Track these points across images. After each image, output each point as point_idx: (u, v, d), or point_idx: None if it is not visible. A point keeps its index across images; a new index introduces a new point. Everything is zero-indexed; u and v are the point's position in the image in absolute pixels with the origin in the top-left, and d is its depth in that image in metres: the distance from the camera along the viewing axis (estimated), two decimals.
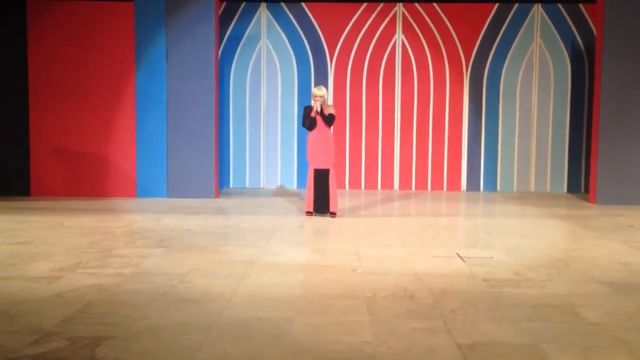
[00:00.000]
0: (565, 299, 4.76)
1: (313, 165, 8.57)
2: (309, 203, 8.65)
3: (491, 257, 6.18)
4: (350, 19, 11.77)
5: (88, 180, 10.40)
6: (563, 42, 11.70)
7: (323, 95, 8.53)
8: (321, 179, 8.53)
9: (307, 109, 8.57)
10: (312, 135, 8.58)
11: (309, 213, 8.65)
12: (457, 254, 6.31)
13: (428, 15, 11.72)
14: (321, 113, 8.46)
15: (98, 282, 5.11)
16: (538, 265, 5.86)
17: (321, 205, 8.59)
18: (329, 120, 8.50)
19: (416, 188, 11.95)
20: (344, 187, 11.84)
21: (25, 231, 7.39)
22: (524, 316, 4.35)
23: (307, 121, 8.53)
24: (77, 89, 10.34)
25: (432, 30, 11.73)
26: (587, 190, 11.44)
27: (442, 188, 11.92)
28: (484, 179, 11.89)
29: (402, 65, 11.84)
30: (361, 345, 3.78)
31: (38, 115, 10.34)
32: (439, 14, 11.71)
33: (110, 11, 10.31)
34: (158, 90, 10.31)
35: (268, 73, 11.89)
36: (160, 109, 10.32)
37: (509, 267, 5.79)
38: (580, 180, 11.83)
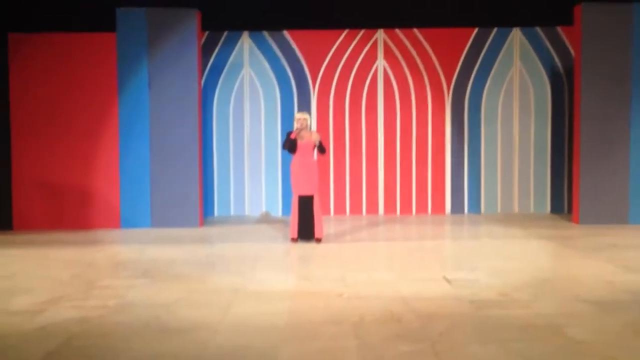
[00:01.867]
0: (551, 319, 4.77)
1: (297, 192, 8.58)
2: (293, 229, 8.64)
3: (477, 279, 6.18)
4: (332, 46, 11.85)
5: (71, 212, 10.31)
6: (542, 64, 11.84)
7: (306, 119, 8.59)
8: (305, 205, 8.53)
9: (289, 134, 8.62)
10: (295, 161, 8.60)
11: (293, 240, 8.63)
12: (444, 276, 6.31)
13: (409, 41, 11.83)
14: (319, 146, 8.52)
15: (82, 314, 5.06)
16: (524, 286, 5.87)
17: (306, 231, 8.58)
18: (322, 149, 8.57)
19: (401, 212, 11.97)
20: (329, 213, 11.82)
21: (8, 265, 7.31)
22: (511, 337, 4.35)
23: (288, 143, 8.55)
24: (60, 121, 10.28)
25: (412, 56, 11.84)
26: (570, 210, 11.51)
27: (426, 211, 11.94)
28: (468, 201, 11.93)
29: (384, 91, 11.92)
30: None
31: (20, 147, 10.26)
32: (419, 39, 11.83)
33: (91, 42, 10.30)
34: (141, 120, 10.29)
35: (251, 101, 11.92)
36: (143, 139, 10.30)
37: (495, 288, 5.79)
38: (563, 201, 11.90)
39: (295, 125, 8.58)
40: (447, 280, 6.12)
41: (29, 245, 8.71)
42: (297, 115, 8.68)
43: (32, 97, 10.25)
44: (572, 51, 11.44)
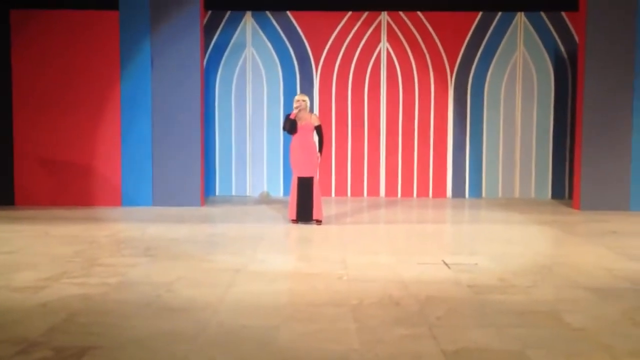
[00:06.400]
0: (550, 305, 4.80)
1: (297, 173, 8.59)
2: (291, 211, 8.65)
3: (476, 264, 6.22)
4: (336, 28, 11.81)
5: (73, 189, 10.34)
6: (546, 49, 11.80)
7: (305, 100, 8.57)
8: (305, 186, 8.54)
9: (289, 115, 8.61)
10: (294, 143, 8.60)
11: (293, 221, 8.66)
12: (443, 260, 6.34)
13: (412, 24, 11.78)
14: (317, 131, 8.54)
15: (83, 291, 5.09)
16: (523, 272, 5.90)
17: (305, 213, 8.59)
18: (320, 135, 8.58)
19: (402, 195, 11.99)
20: (330, 195, 11.85)
21: (10, 241, 7.34)
22: (509, 322, 4.38)
23: (288, 124, 8.51)
24: (62, 98, 10.28)
25: (416, 39, 11.80)
26: (571, 196, 11.53)
27: (427, 195, 11.97)
28: (469, 185, 11.95)
29: (387, 73, 11.89)
30: (348, 353, 3.79)
31: (22, 124, 10.27)
32: (423, 22, 11.78)
33: (94, 20, 10.27)
34: (143, 99, 10.29)
35: (254, 81, 11.90)
36: (145, 118, 10.29)
37: (494, 273, 5.82)
38: (565, 186, 11.92)
39: (294, 106, 8.56)
40: (447, 265, 6.15)
41: (31, 222, 8.74)
42: (296, 97, 8.67)
43: (34, 74, 10.24)
44: (576, 37, 11.40)
